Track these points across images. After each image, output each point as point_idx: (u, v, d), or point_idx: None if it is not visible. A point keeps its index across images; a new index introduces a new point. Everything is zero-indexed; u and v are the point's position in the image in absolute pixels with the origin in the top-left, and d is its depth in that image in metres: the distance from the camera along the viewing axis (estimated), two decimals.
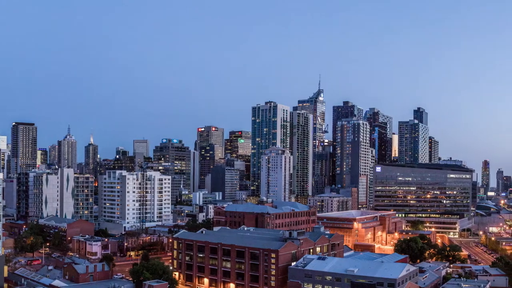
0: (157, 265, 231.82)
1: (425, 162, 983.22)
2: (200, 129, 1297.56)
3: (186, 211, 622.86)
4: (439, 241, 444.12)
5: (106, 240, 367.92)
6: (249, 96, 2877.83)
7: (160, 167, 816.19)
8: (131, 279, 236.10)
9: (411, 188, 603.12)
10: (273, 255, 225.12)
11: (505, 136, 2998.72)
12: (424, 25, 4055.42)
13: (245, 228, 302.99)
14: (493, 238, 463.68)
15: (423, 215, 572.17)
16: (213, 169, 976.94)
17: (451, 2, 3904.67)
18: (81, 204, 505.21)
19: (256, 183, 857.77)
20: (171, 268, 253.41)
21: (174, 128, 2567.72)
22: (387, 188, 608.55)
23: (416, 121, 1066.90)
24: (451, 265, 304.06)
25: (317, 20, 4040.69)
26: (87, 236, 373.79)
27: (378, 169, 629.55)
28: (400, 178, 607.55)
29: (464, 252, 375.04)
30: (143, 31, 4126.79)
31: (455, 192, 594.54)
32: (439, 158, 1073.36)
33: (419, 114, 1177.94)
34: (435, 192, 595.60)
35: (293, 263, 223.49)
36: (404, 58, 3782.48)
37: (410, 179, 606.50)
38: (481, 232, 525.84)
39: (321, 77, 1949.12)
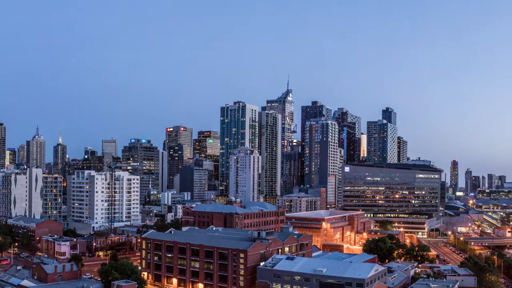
0: (126, 265, 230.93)
1: (394, 162, 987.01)
2: (168, 129, 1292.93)
3: (155, 211, 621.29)
4: (407, 241, 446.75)
5: (74, 240, 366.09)
6: (217, 96, 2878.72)
7: (129, 167, 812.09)
8: (99, 279, 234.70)
9: (379, 188, 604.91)
10: (241, 255, 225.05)
11: (473, 137, 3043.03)
12: (391, 25, 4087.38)
13: (214, 228, 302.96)
14: (461, 238, 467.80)
15: (392, 215, 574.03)
16: (182, 169, 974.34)
17: (418, 2, 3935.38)
18: (49, 204, 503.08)
19: (225, 183, 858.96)
20: (139, 268, 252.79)
21: (142, 128, 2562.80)
22: (356, 188, 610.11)
23: (384, 121, 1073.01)
24: (420, 265, 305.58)
25: (285, 20, 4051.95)
26: (55, 236, 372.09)
27: (347, 169, 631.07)
28: (368, 178, 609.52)
29: (432, 252, 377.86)
30: (110, 31, 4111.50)
31: (423, 192, 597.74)
32: (408, 158, 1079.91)
33: (387, 114, 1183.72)
34: (403, 192, 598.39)
35: (262, 263, 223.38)
36: (372, 58, 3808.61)
37: (378, 179, 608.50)
38: (449, 232, 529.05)
39: (289, 77, 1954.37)
